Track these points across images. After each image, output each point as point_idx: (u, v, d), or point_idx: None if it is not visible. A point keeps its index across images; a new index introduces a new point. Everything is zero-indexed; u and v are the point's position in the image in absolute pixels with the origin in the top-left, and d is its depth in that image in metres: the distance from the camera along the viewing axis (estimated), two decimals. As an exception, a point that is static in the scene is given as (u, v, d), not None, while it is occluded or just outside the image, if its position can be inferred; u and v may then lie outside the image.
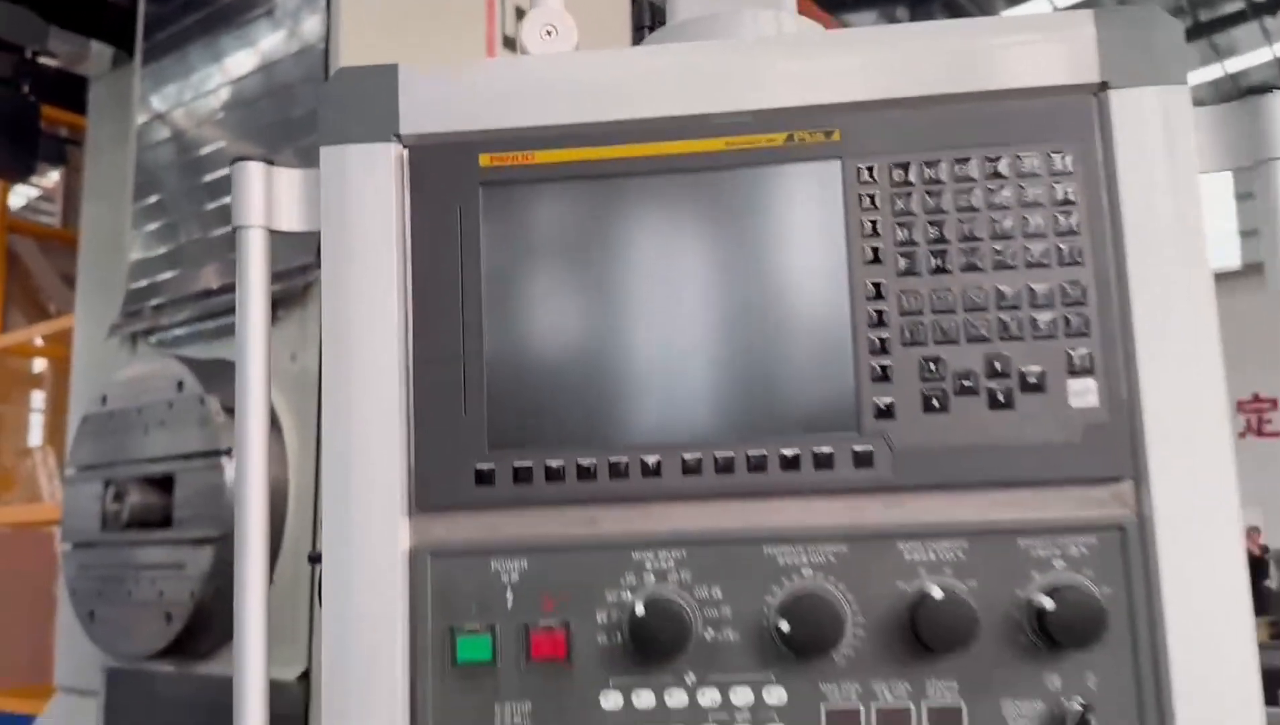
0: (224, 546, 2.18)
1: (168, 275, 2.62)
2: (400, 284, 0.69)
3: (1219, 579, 0.63)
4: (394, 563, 0.66)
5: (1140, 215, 0.65)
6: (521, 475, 0.67)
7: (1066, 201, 0.66)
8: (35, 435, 4.96)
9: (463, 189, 0.69)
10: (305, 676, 2.15)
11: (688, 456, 0.66)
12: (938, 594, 0.62)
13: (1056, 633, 0.62)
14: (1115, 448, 0.64)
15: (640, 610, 0.64)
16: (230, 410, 2.23)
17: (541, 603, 0.66)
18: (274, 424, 2.28)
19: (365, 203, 0.69)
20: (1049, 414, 0.65)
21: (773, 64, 0.69)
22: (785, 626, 0.63)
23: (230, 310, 2.58)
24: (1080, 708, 0.61)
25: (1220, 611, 0.62)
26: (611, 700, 0.65)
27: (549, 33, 0.75)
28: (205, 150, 2.56)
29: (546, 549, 0.67)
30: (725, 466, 0.66)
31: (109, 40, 3.07)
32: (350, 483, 0.67)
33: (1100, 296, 0.65)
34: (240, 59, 2.45)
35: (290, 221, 0.71)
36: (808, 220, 0.68)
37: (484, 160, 0.69)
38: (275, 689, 2.34)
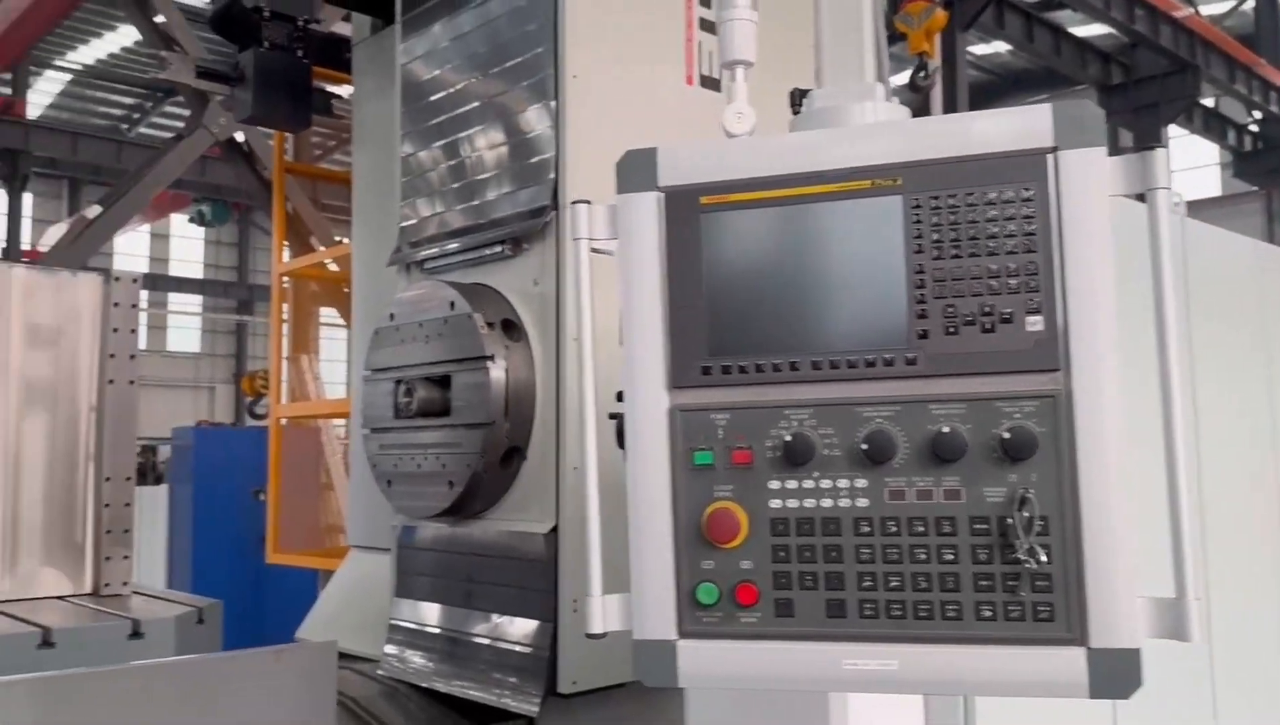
0: (491, 430, 2.91)
1: (430, 215, 3.35)
2: (662, 266, 1.39)
3: (1105, 425, 1.25)
4: (662, 415, 1.38)
5: (1071, 221, 1.26)
6: (726, 369, 1.37)
7: (1029, 216, 1.28)
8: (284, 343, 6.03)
9: (693, 215, 1.39)
10: (554, 531, 2.89)
11: (814, 358, 1.34)
12: (947, 430, 1.28)
13: (1012, 451, 1.26)
14: (1052, 353, 1.27)
15: (789, 438, 1.33)
16: (491, 324, 2.97)
17: (738, 436, 1.37)
18: (522, 336, 3.01)
19: (642, 223, 1.40)
20: (1015, 335, 1.28)
21: (864, 141, 1.34)
22: (865, 447, 1.31)
23: (481, 245, 3.44)
24: (1024, 490, 1.26)
25: (1104, 441, 1.25)
26: (774, 484, 1.35)
27: (739, 116, 1.42)
28: (455, 111, 3.26)
29: (740, 408, 1.37)
30: (834, 364, 1.34)
31: (367, 11, 3.87)
32: (638, 374, 1.39)
33: (1045, 269, 1.27)
34: (471, 21, 3.13)
35: (601, 234, 1.43)
36: (884, 228, 1.33)
37: (703, 200, 1.38)
38: (531, 539, 3.32)
